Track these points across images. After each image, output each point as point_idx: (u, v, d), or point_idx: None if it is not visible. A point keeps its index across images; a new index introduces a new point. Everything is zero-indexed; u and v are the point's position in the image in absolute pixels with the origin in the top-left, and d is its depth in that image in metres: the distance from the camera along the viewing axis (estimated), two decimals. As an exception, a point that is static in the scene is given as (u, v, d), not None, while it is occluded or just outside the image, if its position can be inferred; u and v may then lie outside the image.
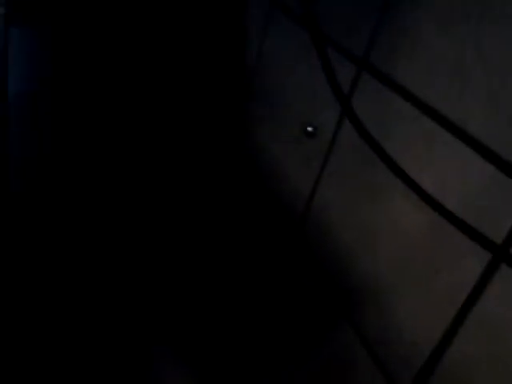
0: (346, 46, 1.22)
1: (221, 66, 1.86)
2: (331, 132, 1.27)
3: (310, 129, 1.32)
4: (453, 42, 0.93)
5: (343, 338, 1.19)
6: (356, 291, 1.16)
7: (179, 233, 2.04)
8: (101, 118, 1.91)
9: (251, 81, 1.72)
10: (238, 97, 1.83)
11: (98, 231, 2.06)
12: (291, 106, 1.45)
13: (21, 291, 1.72)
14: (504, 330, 0.80)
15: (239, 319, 1.80)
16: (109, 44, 1.79)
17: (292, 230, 1.46)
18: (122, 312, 1.94)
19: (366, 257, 1.13)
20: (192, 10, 1.78)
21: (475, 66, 0.89)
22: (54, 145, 1.91)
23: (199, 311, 1.91)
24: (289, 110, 1.46)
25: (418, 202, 0.98)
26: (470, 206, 0.87)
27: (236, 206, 1.84)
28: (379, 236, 1.09)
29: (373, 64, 1.12)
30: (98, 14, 1.73)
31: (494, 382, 0.81)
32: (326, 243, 1.28)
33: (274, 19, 1.55)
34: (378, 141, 1.10)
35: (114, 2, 1.70)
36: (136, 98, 1.90)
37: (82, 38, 1.76)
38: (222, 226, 1.92)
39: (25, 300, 1.71)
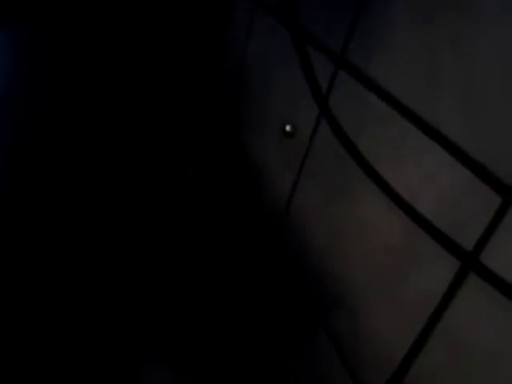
0: (324, 44, 1.18)
1: (206, 66, 1.83)
2: (309, 132, 1.23)
3: (288, 128, 1.28)
4: (427, 40, 0.89)
5: (318, 345, 1.15)
6: (331, 296, 1.12)
7: (164, 233, 2.01)
8: (86, 115, 1.88)
9: (238, 80, 1.68)
10: (225, 96, 1.79)
11: (87, 231, 2.03)
12: (273, 105, 1.41)
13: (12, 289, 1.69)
14: (470, 338, 0.76)
15: (221, 322, 1.76)
16: (96, 46, 1.77)
17: (273, 231, 1.42)
18: (109, 315, 1.91)
19: (339, 261, 1.08)
20: (178, 12, 1.74)
21: (450, 65, 0.84)
22: (38, 143, 1.88)
23: (181, 313, 1.87)
24: (270, 109, 1.42)
25: (391, 206, 0.94)
26: (442, 211, 0.83)
27: (222, 205, 1.80)
28: (352, 240, 1.05)
29: (349, 62, 1.08)
30: (86, 18, 1.71)
31: (462, 397, 0.77)
32: (303, 245, 1.24)
33: (258, 19, 1.51)
34: (354, 141, 1.06)
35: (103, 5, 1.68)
36: (120, 102, 1.88)
37: (69, 40, 1.74)
38: (207, 226, 1.88)
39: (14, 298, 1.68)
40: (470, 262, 0.76)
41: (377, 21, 1.02)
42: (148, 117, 1.92)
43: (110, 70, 1.83)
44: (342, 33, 1.13)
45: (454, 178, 0.81)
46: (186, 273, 1.89)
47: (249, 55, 1.57)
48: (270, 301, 1.45)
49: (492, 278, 0.72)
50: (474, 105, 0.79)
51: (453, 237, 0.79)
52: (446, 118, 0.84)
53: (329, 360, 1.12)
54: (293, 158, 1.30)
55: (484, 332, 0.74)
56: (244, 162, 1.62)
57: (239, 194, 1.67)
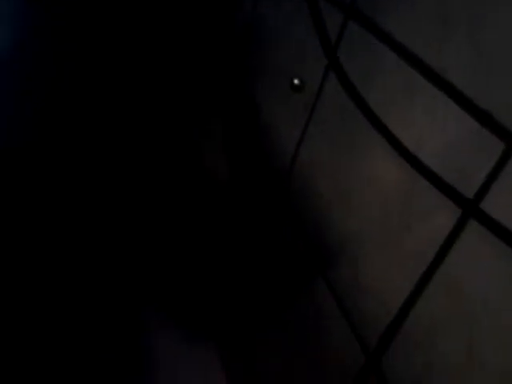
0: (335, -6, 1.15)
1: (215, 21, 1.80)
2: (317, 85, 1.22)
3: (296, 82, 1.27)
4: (439, -16, 0.86)
5: (320, 298, 1.17)
6: (332, 248, 1.13)
7: (167, 191, 2.03)
8: (89, 95, 1.88)
9: (247, 34, 1.66)
10: (234, 54, 1.77)
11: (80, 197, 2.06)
12: (281, 59, 1.40)
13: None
14: (469, 285, 0.77)
15: (223, 273, 1.79)
16: (98, 23, 1.76)
17: (279, 185, 1.43)
18: (112, 277, 1.96)
19: (343, 213, 1.09)
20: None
21: (458, 9, 0.82)
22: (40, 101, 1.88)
23: (184, 270, 1.90)
24: (279, 63, 1.41)
25: (396, 156, 0.93)
26: (445, 159, 0.82)
27: (229, 157, 1.81)
28: (356, 192, 1.05)
29: (359, 12, 1.06)
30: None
31: (456, 342, 0.79)
32: (308, 199, 1.24)
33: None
34: (362, 93, 1.05)
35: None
36: (126, 79, 1.87)
37: (71, 16, 1.72)
38: (212, 178, 1.89)
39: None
40: (470, 209, 0.76)
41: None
42: (155, 85, 1.91)
43: (114, 43, 1.81)
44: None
45: (459, 126, 0.80)
46: (188, 227, 1.91)
47: (258, 8, 1.55)
48: (272, 255, 1.47)
49: (492, 225, 0.73)
50: (483, 53, 0.78)
51: (455, 185, 0.79)
52: (454, 67, 0.83)
53: (330, 312, 1.14)
54: (300, 112, 1.30)
55: (483, 278, 0.75)
56: (253, 118, 1.62)
57: (249, 150, 1.68)
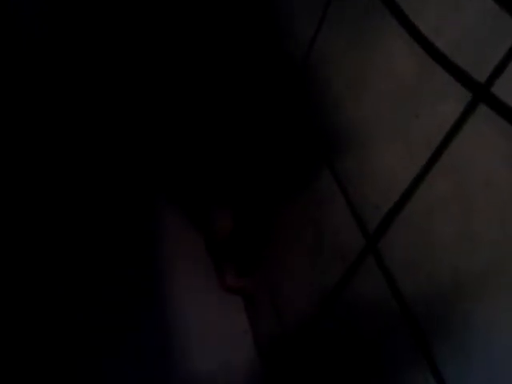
0: None
1: None
2: (335, -30, 1.17)
3: (314, -33, 1.22)
4: None
5: (323, 184, 1.21)
6: (339, 137, 1.15)
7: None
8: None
9: None
10: None
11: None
12: None
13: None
14: (472, 169, 0.79)
15: (232, 159, 1.82)
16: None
17: (293, 75, 1.42)
18: (122, 166, 1.99)
19: (353, 102, 1.10)
20: None
21: None
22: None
23: (194, 157, 1.94)
24: None
25: (412, 47, 0.92)
26: (461, 45, 0.82)
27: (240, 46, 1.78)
28: (369, 81, 1.05)
29: None
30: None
31: (454, 222, 0.83)
32: (320, 87, 1.25)
33: None
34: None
35: None
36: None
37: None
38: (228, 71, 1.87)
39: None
40: (481, 94, 0.77)
41: None
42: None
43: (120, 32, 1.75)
44: None
45: (478, 9, 0.79)
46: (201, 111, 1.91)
47: None
48: (279, 143, 1.50)
49: (502, 109, 0.74)
50: None
51: (468, 70, 0.79)
52: None
53: (333, 200, 1.18)
54: (318, 3, 1.26)
55: (487, 160, 0.77)
56: (267, 11, 1.57)
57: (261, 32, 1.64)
